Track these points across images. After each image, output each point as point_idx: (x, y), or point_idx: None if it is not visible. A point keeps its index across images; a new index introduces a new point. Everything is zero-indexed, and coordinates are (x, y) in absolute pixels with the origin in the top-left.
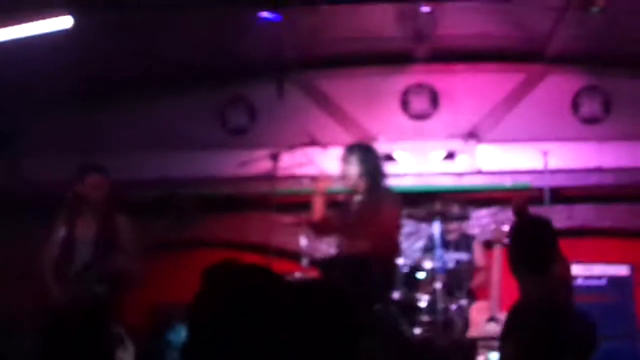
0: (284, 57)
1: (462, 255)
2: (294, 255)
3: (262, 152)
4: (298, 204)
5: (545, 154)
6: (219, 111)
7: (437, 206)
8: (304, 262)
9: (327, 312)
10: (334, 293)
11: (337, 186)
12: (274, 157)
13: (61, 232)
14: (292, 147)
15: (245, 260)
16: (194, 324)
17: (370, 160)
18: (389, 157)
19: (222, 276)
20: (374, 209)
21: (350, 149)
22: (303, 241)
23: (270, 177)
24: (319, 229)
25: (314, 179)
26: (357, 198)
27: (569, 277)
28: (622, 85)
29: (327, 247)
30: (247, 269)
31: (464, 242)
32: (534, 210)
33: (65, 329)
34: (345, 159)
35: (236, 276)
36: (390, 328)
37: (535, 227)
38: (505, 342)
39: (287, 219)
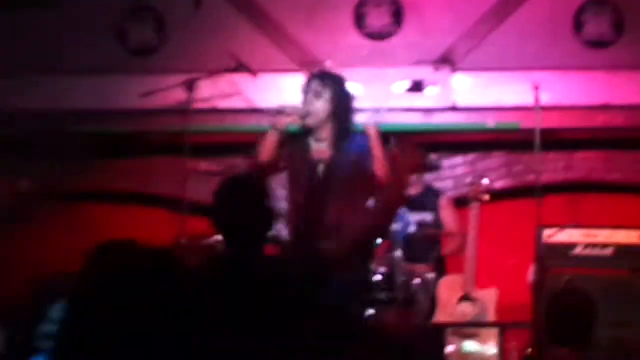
0: None
1: (427, 216)
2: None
3: (174, 79)
4: (219, 145)
5: (537, 86)
6: (117, 24)
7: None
8: None
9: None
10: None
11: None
12: (189, 85)
13: None
14: (212, 72)
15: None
16: (74, 304)
17: (344, 99)
18: None
19: (109, 261)
20: (349, 174)
21: (322, 78)
22: None
23: (183, 110)
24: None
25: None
26: (319, 147)
27: None
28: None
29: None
30: (142, 255)
31: (430, 199)
32: (524, 157)
33: None
34: (311, 90)
35: (126, 264)
36: (335, 308)
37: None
38: None
39: (206, 165)
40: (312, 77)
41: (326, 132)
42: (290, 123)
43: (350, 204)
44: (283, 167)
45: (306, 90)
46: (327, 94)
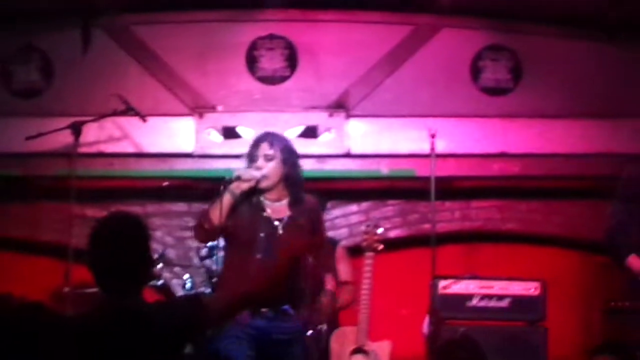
0: None
1: None
2: None
3: (60, 122)
4: (106, 190)
5: (433, 133)
6: (2, 65)
7: None
8: None
9: None
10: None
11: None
12: (76, 129)
13: None
14: (99, 115)
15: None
16: None
17: (293, 159)
18: (231, 132)
19: None
20: (304, 233)
21: (271, 141)
22: None
23: (69, 154)
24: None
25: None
26: (276, 206)
27: None
28: (535, 46)
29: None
30: (13, 309)
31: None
32: (420, 206)
33: None
34: (261, 154)
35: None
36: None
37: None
38: None
39: (92, 211)
40: (258, 141)
41: (279, 192)
42: (247, 188)
43: (302, 261)
44: (230, 228)
45: (253, 153)
46: (278, 157)
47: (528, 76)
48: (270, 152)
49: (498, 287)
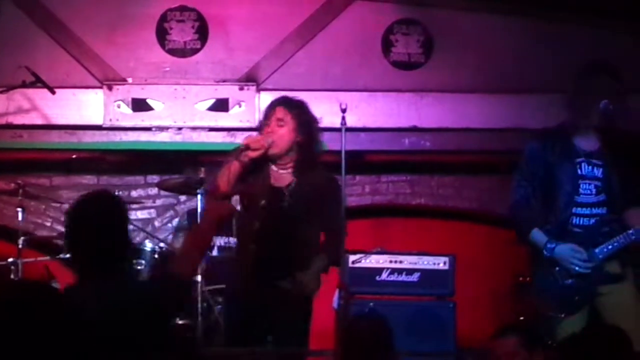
0: None
1: (233, 240)
2: (8, 234)
3: None
4: (14, 162)
5: (344, 107)
6: None
7: (201, 172)
8: (21, 242)
9: None
10: None
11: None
12: None
13: None
14: (7, 87)
15: None
16: None
17: (308, 126)
18: (142, 105)
19: None
20: (308, 204)
21: (285, 105)
22: (21, 215)
23: None
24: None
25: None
26: (280, 174)
27: None
28: (447, 20)
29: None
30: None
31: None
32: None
33: None
34: (274, 118)
35: None
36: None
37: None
38: None
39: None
40: (274, 104)
41: (289, 159)
42: (257, 156)
43: (306, 233)
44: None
45: (267, 116)
46: (291, 122)
47: (439, 50)
48: (283, 116)
49: (407, 261)
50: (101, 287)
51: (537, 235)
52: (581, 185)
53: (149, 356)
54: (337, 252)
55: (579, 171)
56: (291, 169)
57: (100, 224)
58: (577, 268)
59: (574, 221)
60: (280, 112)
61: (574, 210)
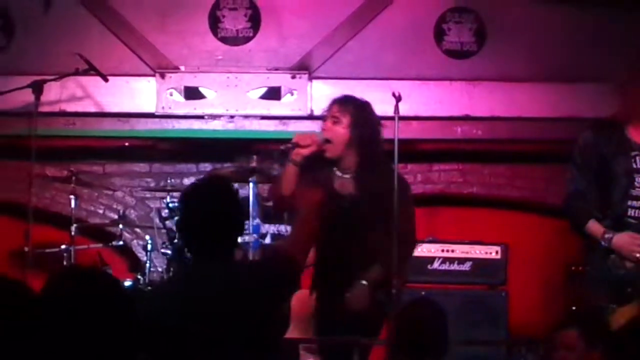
0: None
1: (284, 228)
2: (61, 221)
3: (21, 80)
4: (67, 150)
5: (397, 95)
6: None
7: (253, 160)
8: (73, 229)
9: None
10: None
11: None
12: (37, 87)
13: None
14: (61, 74)
15: None
16: None
17: (366, 124)
18: (195, 93)
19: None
20: (380, 206)
21: (342, 103)
22: (73, 202)
23: (30, 113)
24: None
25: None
26: (343, 179)
27: None
28: (499, 8)
29: None
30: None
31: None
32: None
33: None
34: (330, 116)
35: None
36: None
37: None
38: None
39: (53, 170)
40: (332, 102)
41: (349, 162)
42: (309, 154)
43: (368, 242)
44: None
45: (325, 114)
46: (346, 120)
47: (492, 39)
48: (338, 114)
49: (459, 250)
50: (217, 268)
51: (594, 226)
52: (636, 179)
53: (267, 333)
54: (402, 264)
55: (634, 165)
56: (354, 173)
57: (215, 208)
58: (638, 255)
59: (630, 213)
60: (335, 110)
61: (629, 203)
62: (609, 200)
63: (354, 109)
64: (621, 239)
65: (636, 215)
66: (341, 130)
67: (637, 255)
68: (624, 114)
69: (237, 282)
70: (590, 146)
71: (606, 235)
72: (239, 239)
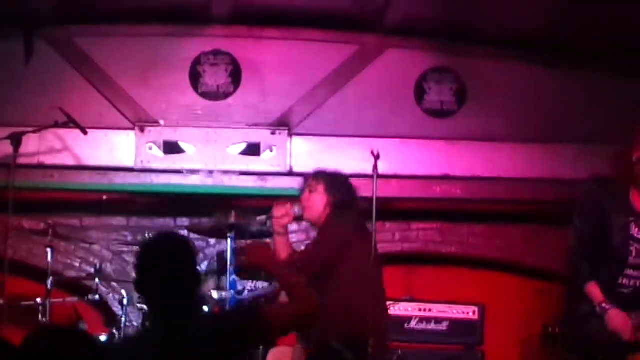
0: (36, 5)
1: (261, 284)
2: (37, 274)
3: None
4: (45, 202)
5: (375, 154)
6: None
7: (232, 216)
8: (49, 282)
9: None
10: None
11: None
12: (15, 139)
13: None
14: (40, 126)
15: None
16: None
17: (343, 185)
18: (174, 147)
19: None
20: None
21: (316, 175)
22: (50, 255)
23: (8, 165)
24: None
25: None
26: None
27: None
28: (479, 68)
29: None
30: None
31: None
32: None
33: None
34: (307, 188)
35: None
36: None
37: None
38: None
39: (30, 223)
40: (306, 176)
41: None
42: (288, 222)
43: None
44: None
45: (303, 189)
46: (321, 187)
47: (472, 99)
48: (314, 183)
49: (436, 310)
50: (176, 325)
51: (594, 290)
52: (632, 246)
53: None
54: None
55: (630, 231)
56: None
57: (173, 264)
58: (626, 337)
59: (622, 282)
60: (310, 181)
61: (624, 271)
62: (604, 261)
63: (327, 176)
64: (616, 317)
65: (629, 284)
66: (318, 196)
67: (626, 337)
68: (625, 176)
69: (195, 336)
70: (593, 197)
71: (604, 306)
72: (215, 295)
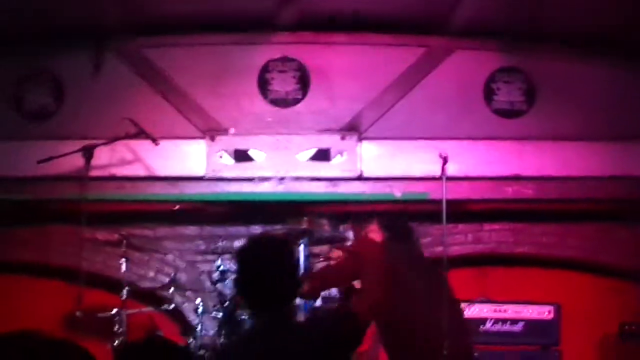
0: (104, 18)
1: (334, 291)
2: (112, 285)
3: (72, 145)
4: (117, 214)
5: (444, 156)
6: (13, 88)
7: (304, 223)
8: (124, 293)
9: None
10: None
11: None
12: (87, 152)
13: None
14: (111, 139)
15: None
16: None
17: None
18: (244, 155)
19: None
20: None
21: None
22: (124, 266)
23: (81, 178)
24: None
25: None
26: None
27: None
28: (549, 68)
29: None
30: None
31: None
32: (432, 229)
33: None
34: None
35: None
36: None
37: None
38: None
39: (103, 235)
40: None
41: None
42: None
43: None
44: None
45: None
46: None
47: (542, 98)
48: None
49: (511, 310)
50: (281, 333)
51: None
52: None
53: None
54: None
55: None
56: None
57: (275, 265)
58: None
59: None
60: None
61: None
62: None
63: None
64: None
65: None
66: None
67: None
68: None
69: (307, 339)
70: None
71: None
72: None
